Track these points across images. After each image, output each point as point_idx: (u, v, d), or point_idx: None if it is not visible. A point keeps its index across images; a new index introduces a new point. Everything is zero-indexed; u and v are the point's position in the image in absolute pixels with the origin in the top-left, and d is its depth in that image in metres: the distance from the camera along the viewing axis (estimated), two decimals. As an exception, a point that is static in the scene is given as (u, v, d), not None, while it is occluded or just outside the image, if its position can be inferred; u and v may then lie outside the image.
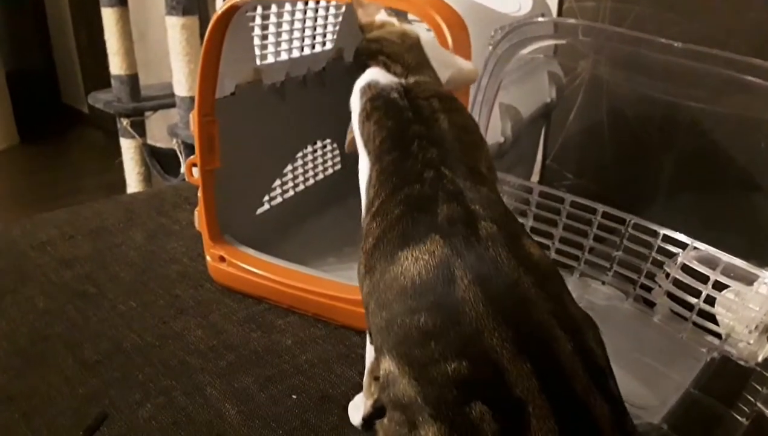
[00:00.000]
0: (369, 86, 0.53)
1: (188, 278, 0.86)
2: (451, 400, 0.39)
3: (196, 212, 0.84)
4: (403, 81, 0.52)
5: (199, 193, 0.81)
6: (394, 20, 0.59)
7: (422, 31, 0.58)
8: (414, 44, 0.56)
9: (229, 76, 0.81)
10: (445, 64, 0.57)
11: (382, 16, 0.59)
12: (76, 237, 0.97)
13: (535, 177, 1.25)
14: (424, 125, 0.49)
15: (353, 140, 0.55)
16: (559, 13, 1.16)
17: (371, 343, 0.50)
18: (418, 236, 0.44)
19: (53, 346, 0.72)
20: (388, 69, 0.53)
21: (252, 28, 0.84)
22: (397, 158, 0.48)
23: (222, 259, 0.82)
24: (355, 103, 0.54)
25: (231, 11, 0.74)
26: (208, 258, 0.83)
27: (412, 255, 0.43)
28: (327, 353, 0.71)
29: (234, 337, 0.74)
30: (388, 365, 0.43)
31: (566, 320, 0.41)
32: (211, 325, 0.76)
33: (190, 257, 0.91)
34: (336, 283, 0.76)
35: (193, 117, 0.78)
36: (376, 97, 0.52)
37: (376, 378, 0.48)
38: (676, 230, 0.60)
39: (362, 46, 0.57)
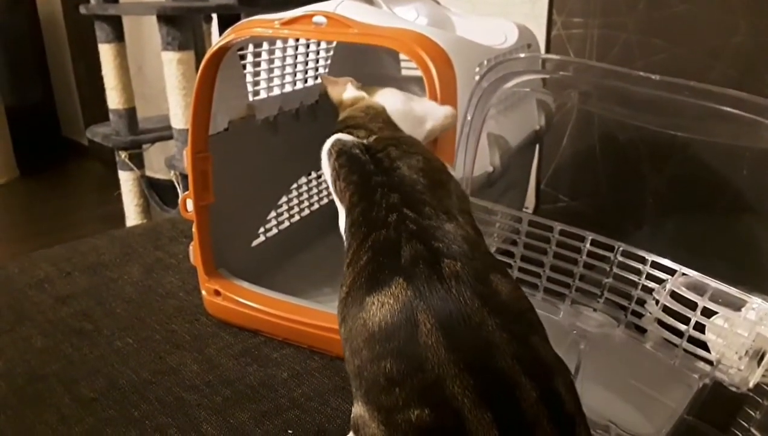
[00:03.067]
0: (333, 145, 0.55)
1: (184, 312, 0.86)
2: None
3: (191, 247, 0.84)
4: (364, 141, 0.55)
5: (194, 229, 0.82)
6: (363, 94, 0.62)
7: (391, 95, 0.61)
8: (377, 113, 0.59)
9: (222, 113, 0.82)
10: (420, 119, 0.60)
11: (350, 92, 0.63)
12: (73, 273, 0.98)
13: (531, 201, 1.27)
14: (384, 175, 0.51)
15: None
16: (547, 41, 1.18)
17: None
18: (383, 280, 0.44)
19: (50, 385, 0.72)
20: (351, 134, 0.57)
21: (244, 66, 0.86)
22: (365, 209, 0.50)
23: (217, 293, 0.82)
24: (325, 165, 0.56)
25: (222, 51, 0.75)
26: (203, 292, 0.84)
27: (378, 300, 0.43)
28: (323, 385, 0.71)
29: (230, 371, 0.74)
30: (360, 409, 0.43)
31: (532, 364, 0.40)
32: (207, 359, 0.76)
33: (186, 291, 0.92)
34: (330, 314, 0.76)
35: (187, 154, 0.79)
36: (340, 154, 0.54)
37: None
38: (665, 254, 0.61)
39: (335, 129, 0.60)
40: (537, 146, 1.05)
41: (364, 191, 0.51)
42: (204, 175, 0.81)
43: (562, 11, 1.17)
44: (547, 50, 1.18)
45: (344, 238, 0.53)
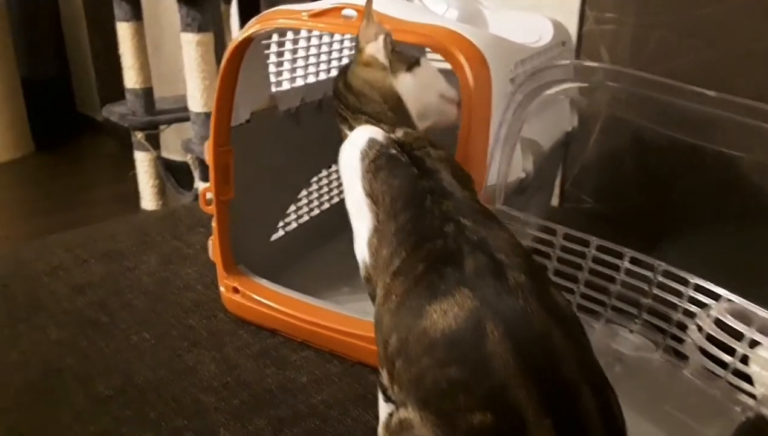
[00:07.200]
0: (369, 146, 0.54)
1: (202, 307, 0.85)
2: None
3: (210, 242, 0.82)
4: (392, 136, 0.55)
5: (214, 224, 0.80)
6: (381, 57, 0.59)
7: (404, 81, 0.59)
8: (394, 103, 0.58)
9: (244, 105, 0.80)
10: (428, 111, 0.60)
11: (376, 45, 0.59)
12: (89, 261, 0.96)
13: (555, 200, 1.23)
14: (430, 179, 0.51)
15: None
16: (579, 36, 1.14)
17: (385, 400, 0.50)
18: (445, 289, 0.44)
19: (65, 380, 0.71)
20: (375, 126, 0.56)
21: (267, 56, 0.83)
22: (414, 216, 0.49)
23: (236, 290, 0.80)
24: (354, 162, 0.54)
25: (247, 42, 0.73)
26: (221, 289, 0.82)
27: (441, 308, 0.43)
28: (343, 393, 0.69)
29: (248, 373, 0.72)
30: (409, 413, 0.43)
31: (593, 375, 0.42)
32: (225, 359, 0.75)
33: (204, 284, 0.90)
34: (350, 318, 0.74)
35: (208, 148, 0.77)
36: (378, 156, 0.53)
37: None
38: (696, 271, 0.58)
39: (342, 90, 0.59)
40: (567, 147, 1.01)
41: (410, 197, 0.50)
42: (225, 169, 0.78)
43: (594, 6, 1.12)
44: (579, 46, 1.14)
45: (365, 242, 0.52)
